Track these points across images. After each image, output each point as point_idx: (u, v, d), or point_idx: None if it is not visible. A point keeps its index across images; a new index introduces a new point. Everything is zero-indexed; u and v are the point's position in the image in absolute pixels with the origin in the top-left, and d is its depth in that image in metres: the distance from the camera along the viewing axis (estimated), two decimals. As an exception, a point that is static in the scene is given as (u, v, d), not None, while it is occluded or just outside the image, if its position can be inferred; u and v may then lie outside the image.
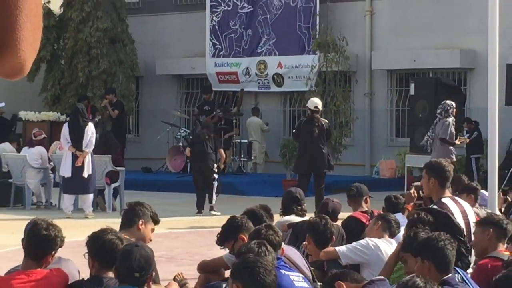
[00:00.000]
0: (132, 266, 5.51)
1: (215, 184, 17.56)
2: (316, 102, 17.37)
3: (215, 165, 17.67)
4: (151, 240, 6.83)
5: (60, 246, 5.96)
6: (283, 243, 6.89)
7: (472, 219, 8.00)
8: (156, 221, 6.93)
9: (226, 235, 6.99)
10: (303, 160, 17.10)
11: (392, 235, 7.91)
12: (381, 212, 9.17)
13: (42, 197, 18.79)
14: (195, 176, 17.87)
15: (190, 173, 19.06)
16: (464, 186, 10.69)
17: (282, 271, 6.23)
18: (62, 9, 27.36)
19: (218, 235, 7.11)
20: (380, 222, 7.97)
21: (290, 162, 22.23)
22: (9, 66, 1.43)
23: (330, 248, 7.61)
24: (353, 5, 24.89)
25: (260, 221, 7.35)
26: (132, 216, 6.88)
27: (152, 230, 6.91)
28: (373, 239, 7.71)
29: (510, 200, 12.21)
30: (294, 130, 18.57)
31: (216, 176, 17.58)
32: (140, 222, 6.79)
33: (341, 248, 7.63)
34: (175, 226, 15.26)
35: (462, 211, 7.94)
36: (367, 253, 7.55)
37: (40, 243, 5.88)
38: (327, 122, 17.91)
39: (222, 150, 18.33)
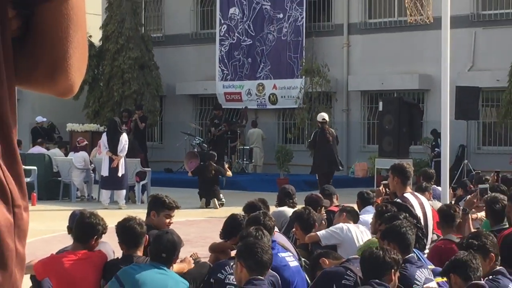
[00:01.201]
0: (160, 247, 5.55)
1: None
2: (323, 115, 17.23)
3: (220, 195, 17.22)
4: (169, 224, 6.69)
5: (103, 233, 5.93)
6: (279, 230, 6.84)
7: (429, 210, 8.01)
8: (169, 207, 6.74)
9: (230, 231, 6.86)
10: (322, 162, 16.84)
11: (356, 221, 7.94)
12: (350, 206, 9.19)
13: (85, 192, 18.79)
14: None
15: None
16: (421, 186, 10.78)
17: (280, 254, 6.21)
18: (101, 42, 27.41)
19: (221, 231, 6.97)
20: (344, 214, 7.99)
21: (283, 164, 22.23)
22: (62, 87, 1.47)
23: (312, 234, 7.58)
24: (333, 39, 24.90)
25: (258, 211, 7.34)
26: (148, 208, 6.94)
27: (168, 216, 6.74)
28: (346, 224, 7.71)
29: (458, 195, 12.27)
30: (309, 140, 18.19)
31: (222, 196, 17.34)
32: (152, 213, 6.77)
33: (321, 232, 7.62)
34: (191, 215, 15.26)
35: (420, 204, 7.95)
36: (341, 235, 7.53)
37: (84, 229, 5.88)
38: (335, 130, 17.76)
39: (229, 173, 18.05)
